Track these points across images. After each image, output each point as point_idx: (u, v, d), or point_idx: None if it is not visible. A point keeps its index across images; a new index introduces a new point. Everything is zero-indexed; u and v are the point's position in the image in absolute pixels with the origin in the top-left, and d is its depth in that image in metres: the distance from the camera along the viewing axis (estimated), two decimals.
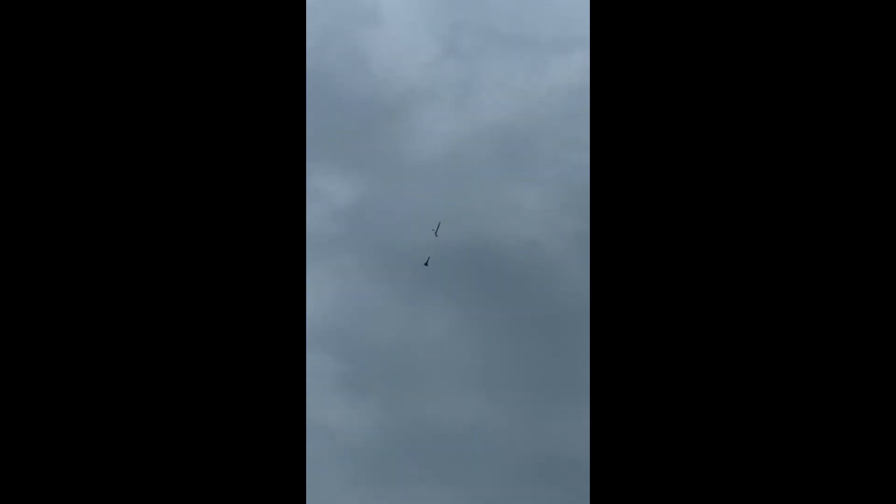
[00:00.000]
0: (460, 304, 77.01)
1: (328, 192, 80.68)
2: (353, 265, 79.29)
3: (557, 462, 70.22)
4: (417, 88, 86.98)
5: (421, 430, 74.32)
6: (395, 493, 71.68)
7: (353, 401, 75.97)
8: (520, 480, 71.73)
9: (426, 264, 68.83)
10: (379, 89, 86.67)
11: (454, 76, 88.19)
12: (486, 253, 79.20)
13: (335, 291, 76.83)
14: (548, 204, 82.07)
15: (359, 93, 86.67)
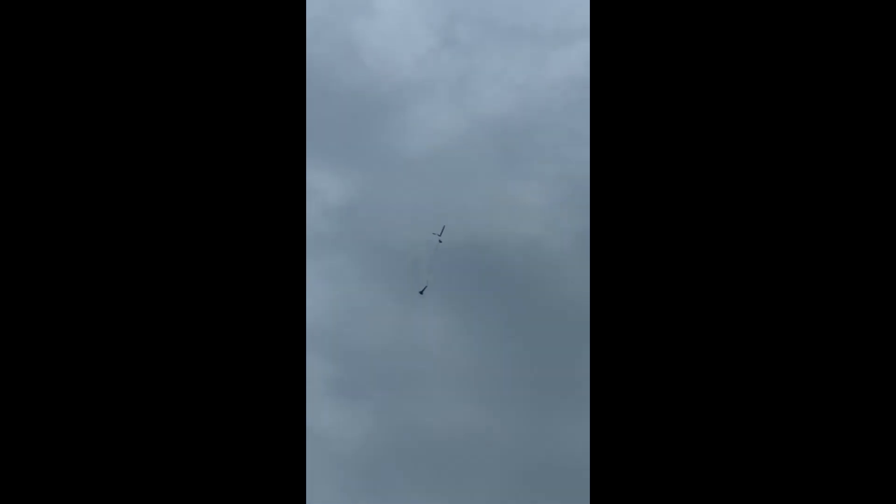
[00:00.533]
0: (457, 304, 75.36)
1: (320, 189, 79.15)
2: (345, 265, 77.81)
3: (556, 469, 68.92)
4: (412, 81, 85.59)
5: (415, 435, 73.15)
6: (389, 501, 70.52)
7: (346, 405, 74.58)
8: (516, 488, 70.54)
9: (421, 293, 67.38)
10: (372, 82, 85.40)
11: (451, 69, 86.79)
12: (483, 252, 77.65)
13: (327, 292, 75.30)
14: (549, 201, 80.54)
15: (351, 86, 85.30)
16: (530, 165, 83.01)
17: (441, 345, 73.70)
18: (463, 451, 72.66)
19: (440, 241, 67.54)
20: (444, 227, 67.41)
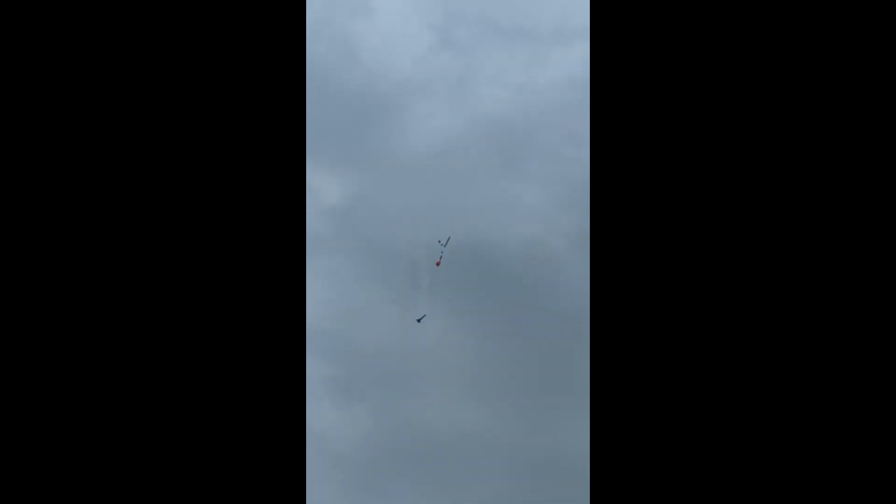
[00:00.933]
0: (455, 305, 75.30)
1: (318, 189, 79.02)
2: (343, 265, 77.72)
3: (556, 468, 68.84)
4: (411, 81, 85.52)
5: (413, 436, 73.09)
6: (388, 501, 70.48)
7: (344, 405, 74.51)
8: (515, 488, 70.48)
9: (419, 321, 67.14)
10: (371, 82, 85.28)
11: (449, 69, 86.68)
12: (482, 252, 77.53)
13: (325, 293, 75.19)
14: (547, 201, 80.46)
15: (350, 86, 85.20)
16: (529, 165, 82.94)
17: (440, 345, 73.65)
18: (462, 451, 72.62)
19: (442, 254, 66.90)
20: (449, 238, 66.88)
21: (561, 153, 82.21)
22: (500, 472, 71.68)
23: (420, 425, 73.77)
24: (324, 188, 79.97)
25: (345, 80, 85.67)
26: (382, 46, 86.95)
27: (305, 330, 28.32)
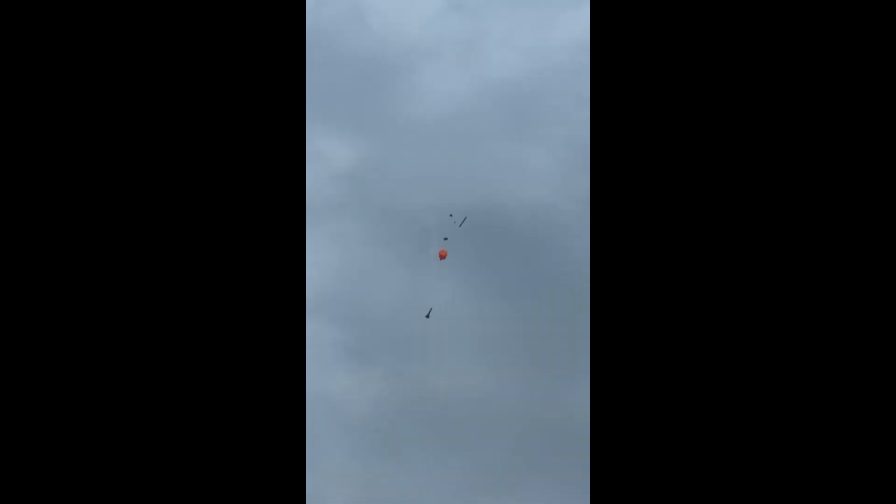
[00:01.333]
0: (465, 268, 75.38)
1: (326, 154, 79.02)
2: (353, 230, 77.83)
3: (565, 430, 69.14)
4: (419, 45, 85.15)
5: (426, 400, 73.45)
6: (400, 465, 70.99)
7: (356, 370, 74.87)
8: (527, 450, 70.83)
9: (427, 316, 67.11)
10: (379, 46, 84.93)
11: (458, 32, 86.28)
12: (492, 216, 77.51)
13: (335, 257, 75.36)
14: (556, 165, 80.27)
15: (358, 50, 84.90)
16: (539, 129, 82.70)
17: (449, 308, 73.85)
18: (473, 414, 72.93)
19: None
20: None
21: (571, 116, 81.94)
22: (513, 436, 72.06)
23: (432, 388, 74.15)
24: (332, 153, 79.99)
25: (352, 44, 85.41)
26: (391, 10, 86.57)
27: (305, 304, 28.08)
